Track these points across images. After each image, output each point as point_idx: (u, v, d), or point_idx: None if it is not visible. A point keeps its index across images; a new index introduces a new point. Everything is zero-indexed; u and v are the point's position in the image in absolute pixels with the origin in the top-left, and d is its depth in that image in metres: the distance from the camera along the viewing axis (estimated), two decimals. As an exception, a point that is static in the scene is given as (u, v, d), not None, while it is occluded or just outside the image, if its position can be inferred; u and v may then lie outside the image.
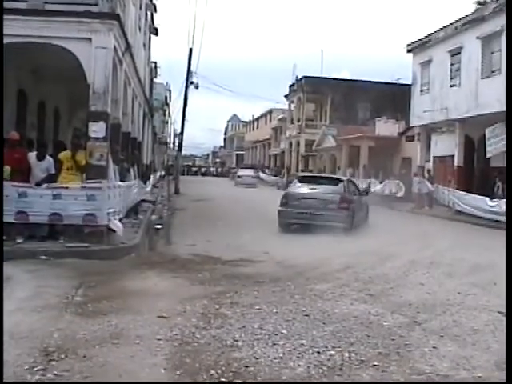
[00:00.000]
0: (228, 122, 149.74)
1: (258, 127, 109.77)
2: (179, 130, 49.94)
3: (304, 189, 21.14)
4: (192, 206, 29.74)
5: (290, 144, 72.94)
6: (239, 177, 62.37)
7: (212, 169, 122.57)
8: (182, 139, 48.00)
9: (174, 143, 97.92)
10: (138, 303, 8.45)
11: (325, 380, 5.89)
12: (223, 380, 5.84)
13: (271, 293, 9.54)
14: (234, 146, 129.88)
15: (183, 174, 76.30)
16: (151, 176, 39.33)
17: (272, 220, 22.18)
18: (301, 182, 22.42)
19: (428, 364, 6.39)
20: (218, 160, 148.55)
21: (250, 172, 62.96)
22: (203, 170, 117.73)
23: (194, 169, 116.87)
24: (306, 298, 9.22)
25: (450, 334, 7.62)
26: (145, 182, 27.91)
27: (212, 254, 13.58)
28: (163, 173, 63.14)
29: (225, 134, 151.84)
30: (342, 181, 22.05)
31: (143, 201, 23.95)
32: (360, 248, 15.52)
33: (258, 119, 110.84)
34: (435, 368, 6.28)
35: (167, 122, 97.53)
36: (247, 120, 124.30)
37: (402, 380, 5.99)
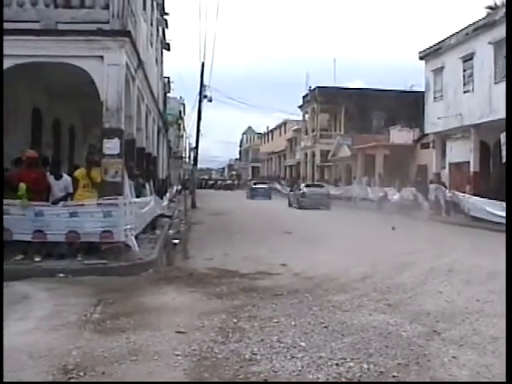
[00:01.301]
0: (243, 134, 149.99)
1: (272, 139, 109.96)
2: (194, 144, 50.08)
3: (311, 190, 44.22)
4: (209, 219, 29.74)
5: (306, 155, 73.00)
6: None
7: (228, 181, 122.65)
8: (197, 153, 48.14)
9: (189, 157, 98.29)
10: (156, 319, 8.45)
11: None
12: (226, 381, 5.89)
13: (289, 305, 9.50)
14: (250, 158, 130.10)
15: (200, 188, 76.48)
16: (167, 191, 39.42)
17: (288, 231, 22.22)
18: (307, 187, 45.36)
19: (448, 373, 6.34)
20: (233, 172, 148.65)
21: (262, 185, 67.09)
22: (219, 182, 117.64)
23: (211, 182, 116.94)
24: (325, 310, 9.18)
25: (469, 342, 7.55)
26: (161, 197, 27.96)
27: (229, 267, 13.54)
28: (179, 187, 63.29)
29: (240, 146, 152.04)
30: (324, 186, 49.54)
31: (160, 216, 23.99)
32: (377, 257, 15.47)
33: (272, 131, 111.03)
34: (455, 377, 6.23)
35: (182, 136, 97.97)
36: (262, 132, 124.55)
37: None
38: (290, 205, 45.60)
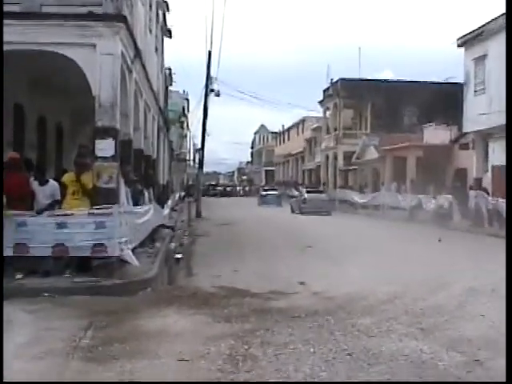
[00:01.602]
0: (255, 133, 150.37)
1: (289, 139, 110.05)
2: (199, 145, 50.18)
3: (312, 195, 51.13)
4: (216, 231, 29.81)
5: (327, 157, 72.89)
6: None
7: (238, 188, 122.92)
8: (202, 155, 48.24)
9: (194, 160, 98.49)
10: (154, 345, 8.43)
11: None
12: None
13: (308, 329, 9.48)
14: (263, 161, 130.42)
15: (206, 195, 76.55)
16: (169, 198, 39.48)
17: (305, 244, 22.17)
18: (308, 192, 52.52)
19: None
20: (244, 177, 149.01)
21: (273, 191, 73.32)
22: (228, 189, 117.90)
23: (219, 188, 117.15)
24: (348, 335, 9.15)
25: (517, 373, 7.48)
26: (162, 206, 27.99)
27: (239, 285, 13.55)
28: (182, 194, 63.44)
29: (252, 147, 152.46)
30: (325, 191, 58.82)
31: (161, 226, 24.01)
32: (409, 275, 15.39)
33: (289, 130, 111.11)
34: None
35: (186, 136, 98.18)
36: (277, 131, 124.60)
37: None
38: (293, 211, 52.03)
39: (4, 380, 5.63)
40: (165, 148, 41.36)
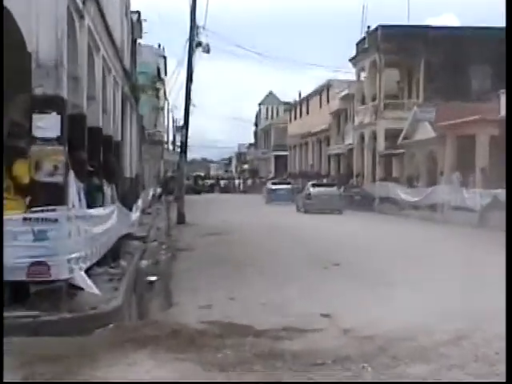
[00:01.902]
0: (260, 104, 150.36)
1: (308, 112, 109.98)
2: (182, 121, 50.22)
3: (318, 190, 59.36)
4: (204, 242, 29.85)
5: (362, 137, 72.84)
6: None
7: (237, 181, 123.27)
8: (186, 135, 48.19)
9: (174, 142, 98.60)
10: (119, 406, 8.42)
11: None
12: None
13: (336, 381, 9.42)
14: (272, 143, 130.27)
15: (196, 192, 76.58)
16: (139, 197, 39.57)
17: (328, 260, 22.19)
18: (313, 186, 60.69)
19: None
20: (245, 167, 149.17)
21: (283, 185, 79.68)
22: (223, 182, 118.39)
23: (209, 181, 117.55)
24: (394, 389, 9.12)
25: None
26: (130, 208, 28.04)
27: (238, 320, 13.52)
28: (158, 190, 63.55)
29: (256, 124, 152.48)
30: (335, 184, 66.18)
31: (128, 237, 24.04)
32: (479, 305, 15.29)
33: (307, 99, 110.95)
34: None
35: (162, 109, 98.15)
36: (291, 101, 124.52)
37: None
38: (298, 209, 61.93)
39: (4, 380, 5.79)
40: (133, 126, 41.33)
